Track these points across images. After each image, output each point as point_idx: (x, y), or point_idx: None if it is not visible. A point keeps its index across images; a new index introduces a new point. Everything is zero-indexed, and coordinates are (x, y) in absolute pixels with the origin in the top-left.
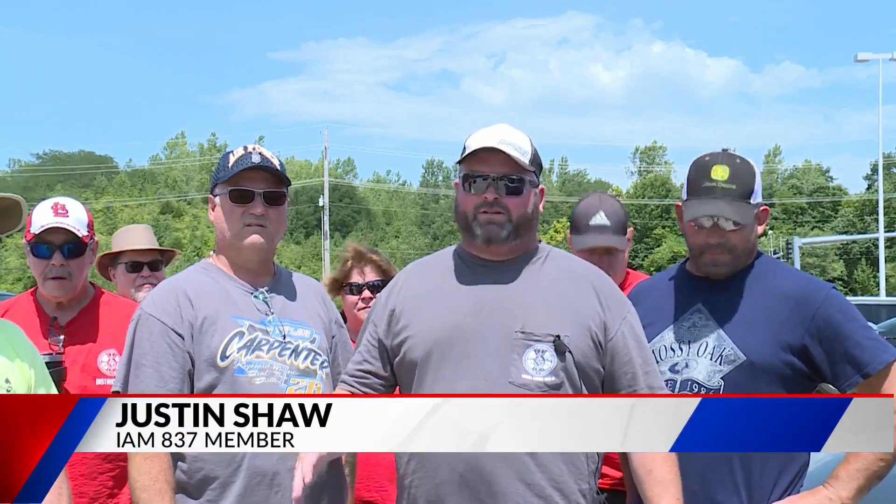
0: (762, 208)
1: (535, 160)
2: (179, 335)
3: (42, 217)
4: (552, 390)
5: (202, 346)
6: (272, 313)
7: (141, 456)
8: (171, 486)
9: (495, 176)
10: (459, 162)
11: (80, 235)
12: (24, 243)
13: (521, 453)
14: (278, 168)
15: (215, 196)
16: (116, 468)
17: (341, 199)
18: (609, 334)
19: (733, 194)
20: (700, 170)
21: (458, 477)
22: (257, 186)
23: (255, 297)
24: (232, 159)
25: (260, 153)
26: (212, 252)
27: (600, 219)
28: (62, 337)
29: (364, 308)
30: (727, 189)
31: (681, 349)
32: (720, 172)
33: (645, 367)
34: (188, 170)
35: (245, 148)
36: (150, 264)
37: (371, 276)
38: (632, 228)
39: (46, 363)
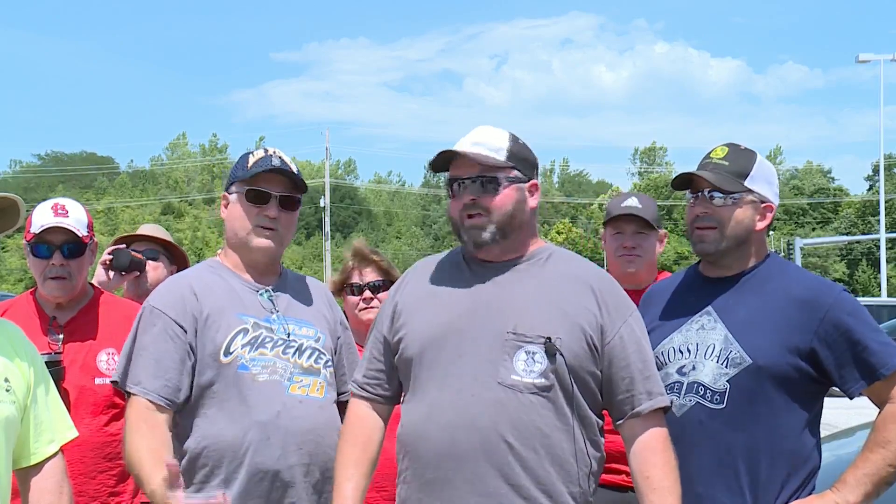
0: (766, 205)
1: (516, 155)
2: (182, 328)
3: (42, 217)
4: (542, 392)
5: (206, 340)
6: (277, 311)
7: (139, 434)
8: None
9: (469, 178)
10: (441, 171)
11: (80, 235)
12: (24, 243)
13: (507, 455)
14: (296, 174)
15: (231, 194)
16: (117, 466)
17: (342, 199)
18: (606, 338)
19: (724, 168)
20: (705, 155)
21: (444, 476)
22: (274, 189)
23: (261, 295)
24: (252, 160)
25: (280, 157)
26: (220, 250)
27: (633, 201)
28: (61, 336)
29: (365, 308)
30: (719, 164)
31: (688, 351)
32: (718, 151)
33: (644, 373)
34: (189, 171)
35: (265, 150)
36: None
37: (371, 276)
38: (665, 231)
39: (45, 362)
